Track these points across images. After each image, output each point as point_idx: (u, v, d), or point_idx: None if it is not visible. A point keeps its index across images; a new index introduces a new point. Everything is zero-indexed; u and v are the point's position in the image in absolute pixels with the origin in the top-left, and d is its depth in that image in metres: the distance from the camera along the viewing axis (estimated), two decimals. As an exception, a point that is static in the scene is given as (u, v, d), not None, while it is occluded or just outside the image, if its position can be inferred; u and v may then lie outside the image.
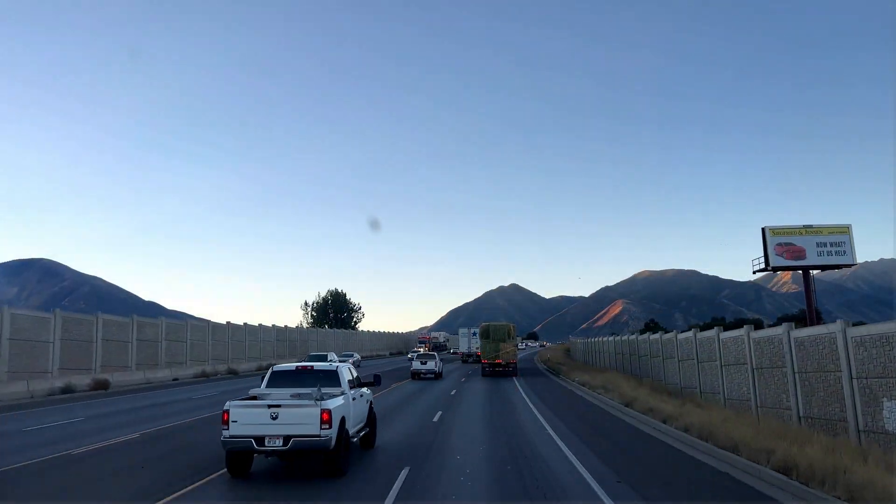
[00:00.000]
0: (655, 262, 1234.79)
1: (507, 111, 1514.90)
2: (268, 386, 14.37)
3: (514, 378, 46.91)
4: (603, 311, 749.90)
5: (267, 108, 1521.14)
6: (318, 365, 14.98)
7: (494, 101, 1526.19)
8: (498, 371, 49.70)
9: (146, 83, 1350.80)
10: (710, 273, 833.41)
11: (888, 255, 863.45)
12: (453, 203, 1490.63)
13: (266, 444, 12.15)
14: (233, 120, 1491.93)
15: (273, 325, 70.30)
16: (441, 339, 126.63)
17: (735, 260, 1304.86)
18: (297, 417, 12.17)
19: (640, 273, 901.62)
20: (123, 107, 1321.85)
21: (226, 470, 12.83)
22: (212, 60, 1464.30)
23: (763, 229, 51.85)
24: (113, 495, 11.62)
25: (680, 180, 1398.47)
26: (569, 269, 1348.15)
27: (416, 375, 46.74)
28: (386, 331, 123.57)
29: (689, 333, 26.82)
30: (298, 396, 13.40)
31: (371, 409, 16.41)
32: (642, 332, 48.58)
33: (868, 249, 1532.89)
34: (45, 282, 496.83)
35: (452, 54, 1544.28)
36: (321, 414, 12.10)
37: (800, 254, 51.35)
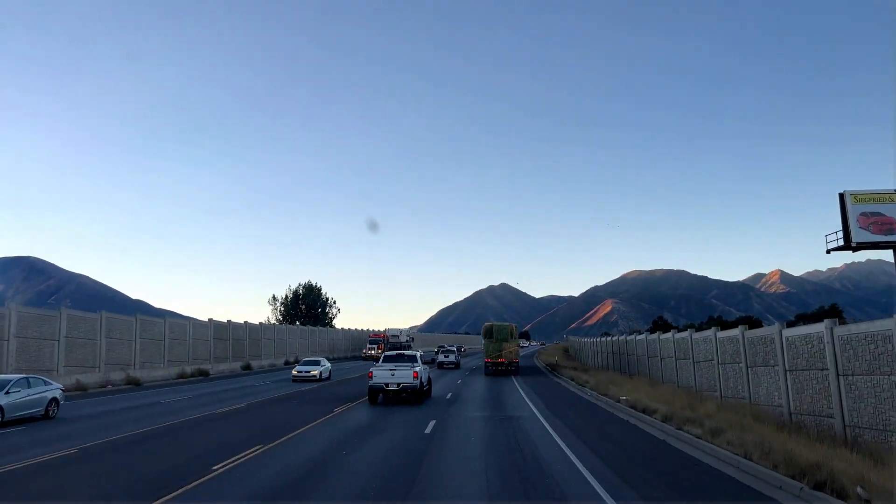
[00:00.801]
0: (644, 262, 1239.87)
1: (497, 114, 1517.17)
2: (383, 362, 28.04)
3: (513, 377, 46.62)
4: (592, 311, 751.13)
5: (251, 109, 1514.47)
6: (406, 352, 30.04)
7: (485, 103, 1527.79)
8: (500, 370, 50.31)
9: (132, 84, 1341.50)
10: (699, 273, 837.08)
11: (874, 256, 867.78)
12: (444, 203, 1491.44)
13: (388, 387, 26.69)
14: (218, 121, 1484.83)
15: (211, 321, 54.26)
16: (404, 339, 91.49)
17: (724, 261, 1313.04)
18: (403, 374, 26.76)
19: (629, 273, 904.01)
20: (110, 107, 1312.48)
21: (367, 399, 27.48)
22: (201, 62, 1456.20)
23: (841, 195, 38.60)
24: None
25: (669, 181, 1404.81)
26: (559, 269, 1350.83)
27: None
28: (366, 328, 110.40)
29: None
30: (399, 366, 27.27)
31: (429, 376, 30.27)
32: (651, 331, 47.27)
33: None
34: (31, 280, 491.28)
35: (442, 58, 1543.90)
36: (413, 373, 26.72)
37: (891, 226, 38.10)
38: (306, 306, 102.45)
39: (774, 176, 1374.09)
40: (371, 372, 27.24)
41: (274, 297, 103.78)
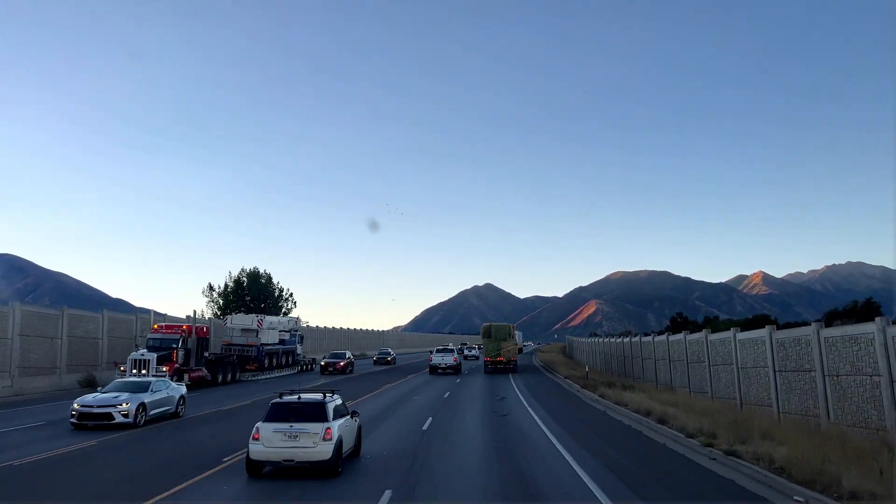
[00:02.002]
0: (628, 263, 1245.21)
1: (480, 113, 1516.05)
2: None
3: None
4: (577, 312, 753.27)
5: (234, 105, 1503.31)
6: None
7: (467, 102, 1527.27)
8: (499, 368, 51.85)
9: (113, 79, 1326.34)
10: (683, 274, 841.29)
11: (854, 259, 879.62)
12: (428, 204, 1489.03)
13: (441, 368, 51.25)
14: (199, 117, 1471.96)
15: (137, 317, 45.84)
16: (261, 341, 49.45)
17: (707, 262, 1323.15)
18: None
19: (613, 274, 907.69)
20: (88, 103, 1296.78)
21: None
22: (193, 60, 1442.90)
23: None
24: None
25: (652, 181, 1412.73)
26: (543, 270, 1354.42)
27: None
28: (340, 327, 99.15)
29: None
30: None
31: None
32: (673, 331, 43.88)
33: (836, 253, 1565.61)
34: (9, 277, 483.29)
35: (423, 57, 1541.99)
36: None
37: None
38: (251, 298, 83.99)
39: (756, 178, 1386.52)
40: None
41: (210, 287, 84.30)
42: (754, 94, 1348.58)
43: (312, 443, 13.38)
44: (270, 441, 13.40)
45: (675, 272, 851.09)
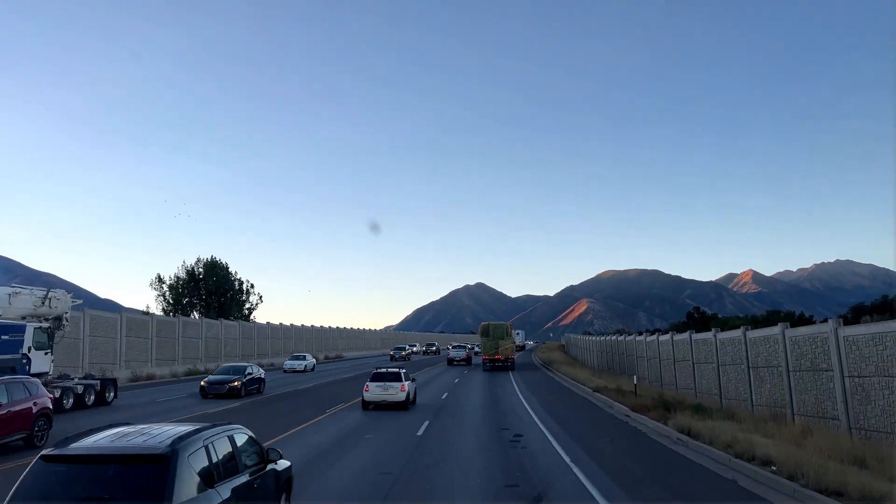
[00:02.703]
0: (619, 262, 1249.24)
1: (470, 114, 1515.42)
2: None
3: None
4: (568, 310, 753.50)
5: (222, 105, 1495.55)
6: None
7: (457, 102, 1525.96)
8: (497, 366, 52.87)
9: (99, 78, 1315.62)
10: (673, 273, 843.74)
11: (843, 257, 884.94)
12: (419, 204, 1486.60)
13: (455, 361, 64.35)
14: (190, 118, 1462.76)
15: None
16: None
17: (698, 261, 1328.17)
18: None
19: (604, 273, 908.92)
20: (76, 102, 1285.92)
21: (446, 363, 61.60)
22: (181, 58, 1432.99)
23: None
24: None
25: (643, 181, 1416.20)
26: (535, 269, 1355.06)
27: None
28: (312, 325, 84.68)
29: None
30: None
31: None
32: (681, 330, 42.25)
33: (825, 251, 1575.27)
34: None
35: (410, 56, 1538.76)
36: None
37: None
38: (207, 291, 73.08)
39: (747, 177, 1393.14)
40: None
41: (159, 279, 71.76)
42: (744, 94, 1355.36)
43: (395, 392, 25.09)
44: (373, 391, 25.26)
45: (666, 271, 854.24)
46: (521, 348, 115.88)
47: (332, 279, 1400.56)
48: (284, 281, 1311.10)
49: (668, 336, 32.91)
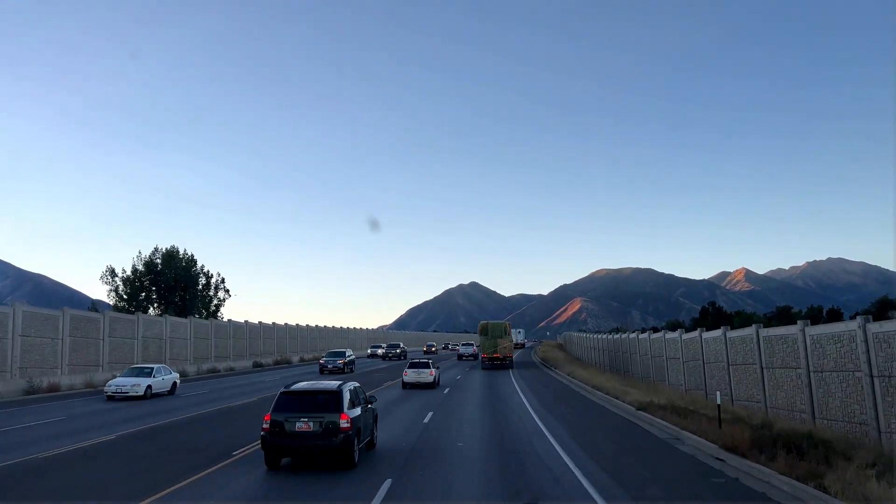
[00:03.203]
0: (612, 260, 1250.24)
1: (463, 112, 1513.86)
2: None
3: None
4: (562, 309, 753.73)
5: (219, 104, 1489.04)
6: None
7: (450, 100, 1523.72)
8: (496, 364, 53.85)
9: (97, 79, 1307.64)
10: (666, 271, 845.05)
11: (835, 255, 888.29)
12: (414, 203, 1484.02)
13: (465, 356, 75.59)
14: (178, 116, 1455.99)
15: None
16: None
17: (691, 259, 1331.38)
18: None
19: (597, 271, 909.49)
20: (64, 105, 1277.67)
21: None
22: (175, 57, 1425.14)
23: None
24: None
25: (636, 180, 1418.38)
26: (528, 268, 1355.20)
27: None
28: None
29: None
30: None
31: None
32: (709, 325, 40.49)
33: (817, 249, 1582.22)
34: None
35: (404, 56, 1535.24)
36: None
37: None
38: (166, 285, 64.66)
39: (739, 176, 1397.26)
40: None
41: (111, 272, 64.21)
42: (736, 92, 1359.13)
43: (426, 375, 35.76)
44: (410, 374, 36.07)
45: (659, 269, 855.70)
46: (521, 346, 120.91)
47: (327, 279, 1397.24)
48: (284, 282, 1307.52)
49: (695, 334, 28.31)
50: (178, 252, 66.82)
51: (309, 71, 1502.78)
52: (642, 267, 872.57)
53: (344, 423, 13.37)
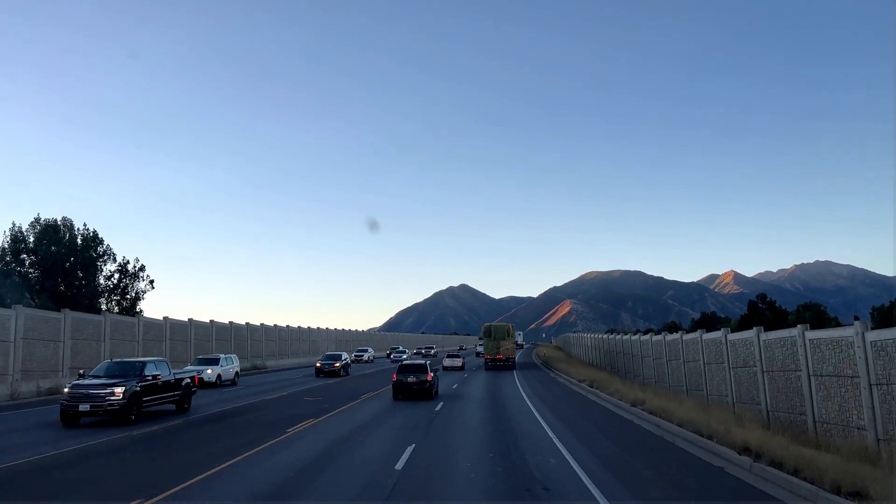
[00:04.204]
0: (602, 263, 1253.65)
1: (454, 116, 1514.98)
2: None
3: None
4: (552, 311, 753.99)
5: (216, 104, 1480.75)
6: None
7: (440, 104, 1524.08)
8: (499, 365, 55.64)
9: (93, 79, 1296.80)
10: (655, 274, 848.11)
11: (822, 258, 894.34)
12: (405, 205, 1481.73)
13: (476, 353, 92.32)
14: (175, 116, 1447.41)
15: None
16: None
17: (680, 262, 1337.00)
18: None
19: (587, 274, 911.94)
20: (49, 101, 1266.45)
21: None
22: (174, 59, 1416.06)
23: None
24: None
25: (625, 183, 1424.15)
26: (518, 270, 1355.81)
27: None
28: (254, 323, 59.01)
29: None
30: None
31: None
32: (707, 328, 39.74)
33: (804, 252, 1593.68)
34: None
35: (394, 58, 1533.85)
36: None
37: None
38: (44, 268, 48.00)
39: (728, 179, 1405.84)
40: None
41: None
42: (725, 97, 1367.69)
43: (457, 362, 55.36)
44: (447, 361, 55.79)
45: (648, 272, 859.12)
46: (521, 347, 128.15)
47: (322, 280, 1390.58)
48: (284, 281, 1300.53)
49: (719, 334, 22.59)
50: (69, 225, 50.27)
51: (306, 73, 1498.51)
52: (632, 269, 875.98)
53: (430, 379, 28.63)
